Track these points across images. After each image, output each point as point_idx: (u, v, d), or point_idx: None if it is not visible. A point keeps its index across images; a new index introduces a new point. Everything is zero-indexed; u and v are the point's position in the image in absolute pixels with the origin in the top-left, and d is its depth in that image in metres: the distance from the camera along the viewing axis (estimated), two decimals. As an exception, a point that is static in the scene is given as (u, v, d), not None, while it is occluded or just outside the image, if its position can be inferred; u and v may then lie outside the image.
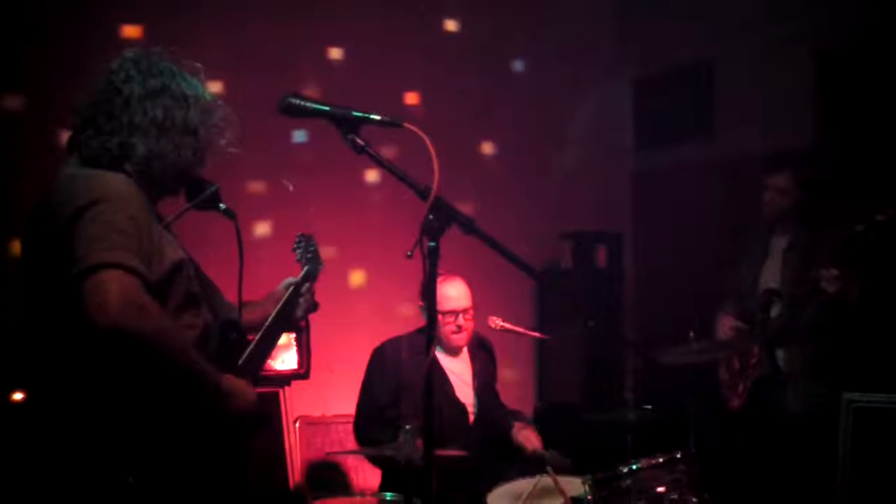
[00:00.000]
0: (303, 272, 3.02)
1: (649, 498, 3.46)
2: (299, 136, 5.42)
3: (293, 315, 2.95)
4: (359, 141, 2.23)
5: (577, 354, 5.87)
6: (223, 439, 2.41)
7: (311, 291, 3.01)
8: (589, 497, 3.48)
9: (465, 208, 2.25)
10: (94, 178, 2.30)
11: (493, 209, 5.36)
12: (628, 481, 3.47)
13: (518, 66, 6.30)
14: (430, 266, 2.18)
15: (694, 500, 3.47)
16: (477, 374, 4.37)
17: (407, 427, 3.63)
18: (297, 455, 5.00)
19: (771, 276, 4.54)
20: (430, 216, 2.16)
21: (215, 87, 4.62)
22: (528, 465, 4.07)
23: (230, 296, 2.64)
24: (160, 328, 2.20)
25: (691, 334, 4.16)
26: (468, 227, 2.23)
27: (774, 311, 4.45)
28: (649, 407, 4.09)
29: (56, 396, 2.28)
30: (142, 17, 4.89)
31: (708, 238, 5.62)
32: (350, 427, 4.34)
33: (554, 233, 6.19)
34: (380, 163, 2.24)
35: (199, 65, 2.57)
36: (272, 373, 4.92)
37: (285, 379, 5.01)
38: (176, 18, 4.87)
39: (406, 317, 5.09)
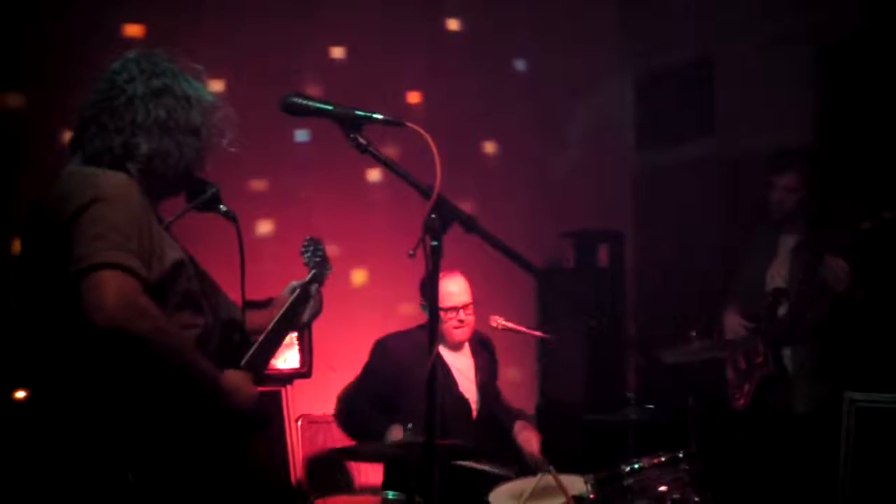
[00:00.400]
0: (309, 275, 3.02)
1: (651, 497, 3.46)
2: (301, 135, 5.43)
3: (298, 318, 2.95)
4: (361, 140, 2.24)
5: (578, 353, 5.87)
6: (223, 437, 2.42)
7: (318, 295, 3.01)
8: (591, 496, 3.48)
9: (467, 207, 2.26)
10: (95, 177, 2.31)
11: (494, 208, 5.36)
12: (630, 480, 3.47)
13: (520, 64, 6.30)
14: (432, 265, 2.17)
15: (696, 499, 3.47)
16: (479, 370, 4.38)
17: (409, 425, 3.64)
18: (298, 453, 5.01)
19: (778, 275, 4.53)
20: (433, 215, 2.16)
21: (217, 86, 4.63)
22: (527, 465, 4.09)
23: (233, 296, 2.65)
24: (157, 328, 2.20)
25: (693, 333, 4.16)
26: (470, 225, 2.23)
27: (781, 311, 4.45)
28: (651, 406, 4.09)
29: (55, 394, 2.28)
30: (143, 16, 4.90)
31: (709, 237, 5.62)
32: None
33: (555, 232, 6.19)
34: (382, 162, 2.24)
35: (200, 66, 2.58)
36: (274, 372, 4.93)
37: (287, 378, 5.02)
38: (177, 17, 4.88)
39: (408, 315, 5.09)
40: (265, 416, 2.59)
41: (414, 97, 5.83)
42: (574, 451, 4.79)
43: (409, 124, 2.20)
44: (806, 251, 4.41)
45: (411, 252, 2.18)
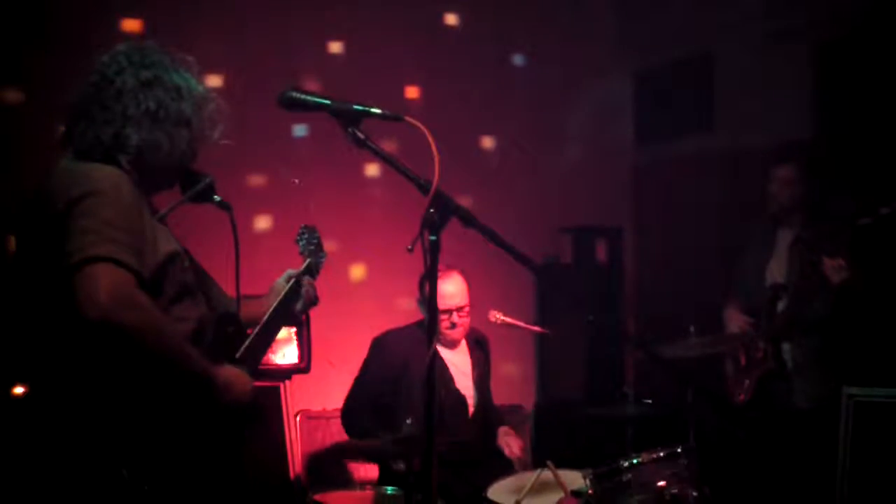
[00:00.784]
0: (304, 264, 3.02)
1: (650, 492, 3.46)
2: (300, 130, 5.42)
3: (293, 308, 2.94)
4: (360, 134, 2.23)
5: (577, 349, 5.87)
6: (219, 431, 2.41)
7: (311, 285, 3.00)
8: (589, 491, 3.48)
9: (465, 202, 2.26)
10: (86, 171, 2.30)
11: (493, 203, 5.35)
12: (629, 475, 3.47)
13: (518, 59, 6.29)
14: (430, 260, 2.17)
15: (694, 493, 3.47)
16: (476, 367, 4.38)
17: (408, 421, 3.64)
18: (297, 449, 5.01)
19: (777, 269, 4.53)
20: (431, 210, 2.16)
21: (215, 80, 4.64)
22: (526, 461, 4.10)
23: (229, 289, 2.64)
24: (150, 322, 2.20)
25: (691, 328, 4.16)
26: (468, 220, 2.23)
27: (780, 306, 4.45)
28: (649, 401, 4.10)
29: (49, 388, 2.28)
30: (142, 11, 4.89)
31: (708, 232, 5.62)
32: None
33: (554, 227, 6.19)
34: (381, 156, 2.24)
35: (191, 58, 2.57)
36: (273, 367, 4.92)
37: (286, 373, 5.01)
38: (176, 12, 4.87)
39: (406, 311, 5.08)
40: (261, 410, 2.58)
41: (412, 92, 5.82)
42: (572, 446, 4.80)
43: (408, 119, 2.19)
44: (804, 246, 4.42)
45: (410, 247, 2.17)
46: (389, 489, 3.76)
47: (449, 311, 4.19)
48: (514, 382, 5.84)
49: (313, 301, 3.02)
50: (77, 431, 2.23)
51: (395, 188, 4.95)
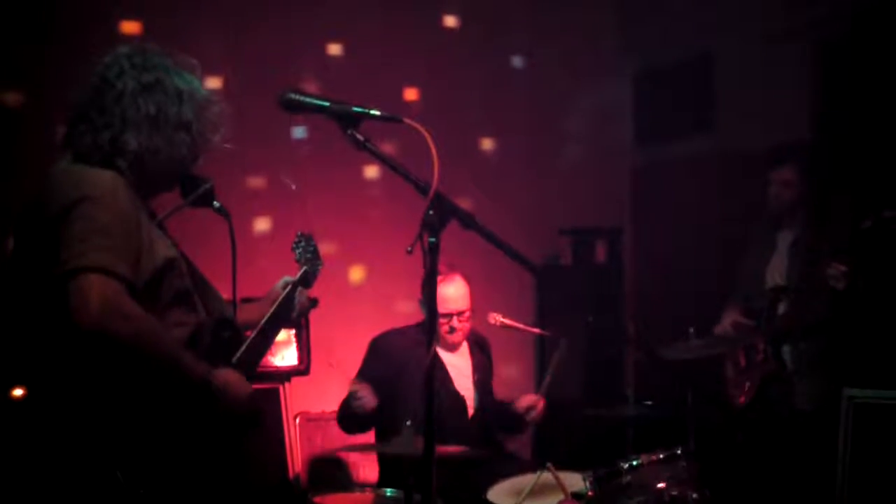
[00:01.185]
0: (301, 272, 3.01)
1: (649, 494, 3.46)
2: (299, 132, 5.42)
3: (289, 315, 2.94)
4: (359, 136, 2.23)
5: (577, 350, 5.86)
6: (216, 435, 2.40)
7: (304, 294, 2.99)
8: (589, 493, 3.47)
9: (464, 204, 2.26)
10: (82, 175, 2.29)
11: (492, 205, 5.35)
12: (628, 477, 3.47)
13: (518, 61, 6.29)
14: (430, 262, 2.17)
15: (694, 496, 3.46)
16: (476, 369, 4.37)
17: (408, 422, 3.63)
18: (297, 451, 5.00)
19: (777, 271, 4.53)
20: (430, 211, 2.16)
21: (215, 82, 4.63)
22: (526, 462, 4.09)
23: (226, 292, 2.64)
24: (141, 331, 2.19)
25: (691, 330, 4.16)
26: (468, 222, 2.23)
27: (781, 308, 4.44)
28: (649, 403, 4.09)
29: (45, 392, 2.28)
30: (141, 13, 4.89)
31: (708, 233, 5.61)
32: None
33: (554, 228, 6.19)
34: (380, 158, 2.24)
35: (194, 61, 2.56)
36: (272, 369, 4.92)
37: (285, 375, 5.01)
38: (175, 14, 4.87)
39: (406, 313, 5.08)
40: (259, 414, 2.57)
41: (411, 94, 5.82)
42: (572, 448, 4.79)
43: (407, 120, 2.19)
44: (804, 248, 4.41)
45: (409, 248, 2.17)
46: (389, 491, 3.75)
47: (449, 315, 4.18)
48: (514, 384, 5.82)
49: (310, 305, 3.02)
50: (73, 434, 2.22)
51: (394, 190, 4.94)
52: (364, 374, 4.24)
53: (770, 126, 5.33)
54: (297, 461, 4.97)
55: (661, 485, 3.47)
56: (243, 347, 2.60)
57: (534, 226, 5.85)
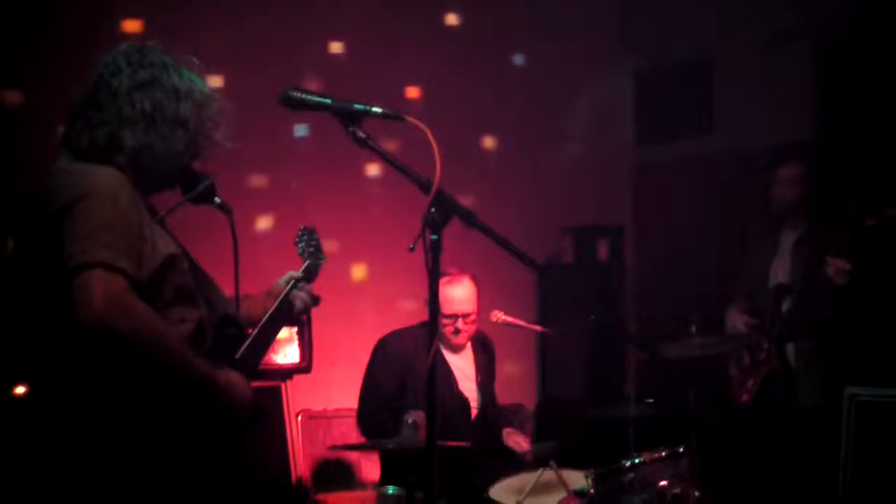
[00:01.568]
0: (304, 266, 3.01)
1: (651, 492, 3.47)
2: (300, 130, 5.42)
3: (292, 310, 2.94)
4: (361, 134, 2.22)
5: (578, 348, 5.86)
6: (219, 433, 2.40)
7: (308, 288, 2.99)
8: (591, 491, 3.47)
9: (466, 202, 2.25)
10: (82, 173, 2.28)
11: (494, 203, 5.35)
12: (630, 475, 3.48)
13: (519, 59, 6.29)
14: (432, 260, 2.17)
15: (696, 493, 3.47)
16: (480, 370, 4.37)
17: (410, 420, 3.63)
18: (299, 449, 5.00)
19: (780, 270, 4.52)
20: (432, 209, 2.15)
21: (216, 80, 4.63)
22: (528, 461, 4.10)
23: (228, 290, 2.64)
24: (146, 328, 2.18)
25: (693, 328, 4.16)
26: (470, 220, 2.22)
27: (785, 306, 4.44)
28: (651, 401, 4.09)
29: (47, 392, 2.27)
30: (142, 11, 4.89)
31: (709, 233, 5.61)
32: (352, 421, 4.34)
33: (555, 227, 6.19)
34: (382, 156, 2.23)
35: (195, 59, 2.55)
36: (274, 366, 4.92)
37: (287, 373, 5.01)
38: (176, 12, 4.87)
39: (408, 311, 5.08)
40: (261, 413, 2.57)
41: (413, 92, 5.82)
42: (574, 446, 4.79)
43: (409, 118, 2.18)
44: (807, 246, 4.41)
45: (411, 246, 2.17)
46: (391, 489, 3.76)
47: (455, 317, 4.18)
48: (516, 382, 5.83)
49: (312, 302, 3.02)
50: (77, 434, 2.22)
51: (396, 187, 4.93)
52: (372, 376, 4.24)
53: (771, 126, 5.33)
54: (299, 459, 4.97)
55: (663, 483, 3.48)
56: (246, 344, 2.60)
57: (535, 224, 5.85)
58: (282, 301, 2.85)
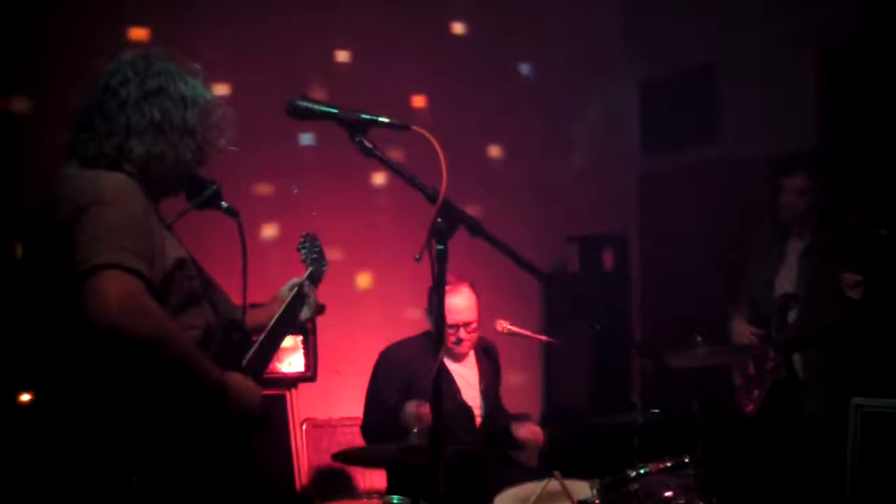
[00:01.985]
0: (307, 273, 3.02)
1: (657, 502, 3.45)
2: (306, 138, 5.43)
3: (297, 317, 2.94)
4: (367, 143, 2.23)
5: (584, 358, 5.85)
6: (227, 438, 2.41)
7: (313, 293, 3.00)
8: (596, 501, 3.46)
9: (472, 211, 2.25)
10: (93, 179, 2.29)
11: (499, 212, 5.35)
12: (636, 485, 3.46)
13: (524, 68, 6.30)
14: (438, 269, 2.16)
15: (701, 504, 3.46)
16: (483, 378, 4.36)
17: (415, 430, 3.63)
18: (303, 457, 5.00)
19: (787, 279, 4.51)
20: (439, 219, 2.15)
21: (222, 88, 4.63)
22: (533, 470, 4.09)
23: (235, 296, 2.64)
24: (159, 329, 2.18)
25: (698, 338, 4.14)
26: (476, 229, 2.22)
27: (791, 316, 4.43)
28: (656, 410, 4.08)
29: (58, 397, 2.27)
30: (147, 19, 4.90)
31: (714, 240, 5.60)
32: (357, 430, 4.34)
33: (560, 235, 6.18)
34: (388, 165, 2.23)
35: (198, 66, 2.56)
36: (279, 375, 4.92)
37: (292, 381, 5.02)
38: (181, 21, 4.88)
39: (413, 320, 5.08)
40: (269, 418, 2.58)
41: (419, 101, 5.83)
42: (579, 456, 4.77)
43: (415, 127, 2.19)
44: (815, 255, 4.39)
45: (417, 256, 2.16)
46: (396, 499, 3.75)
47: (456, 327, 4.17)
48: (521, 391, 5.82)
49: (318, 309, 3.02)
50: (87, 438, 2.22)
51: (401, 197, 4.95)
52: (375, 387, 4.24)
53: (775, 133, 5.32)
54: (303, 467, 4.97)
55: (668, 493, 3.47)
56: (252, 350, 2.60)
57: (540, 232, 5.85)
58: (287, 307, 2.86)
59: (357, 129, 2.23)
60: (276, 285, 2.99)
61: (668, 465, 3.51)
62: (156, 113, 2.38)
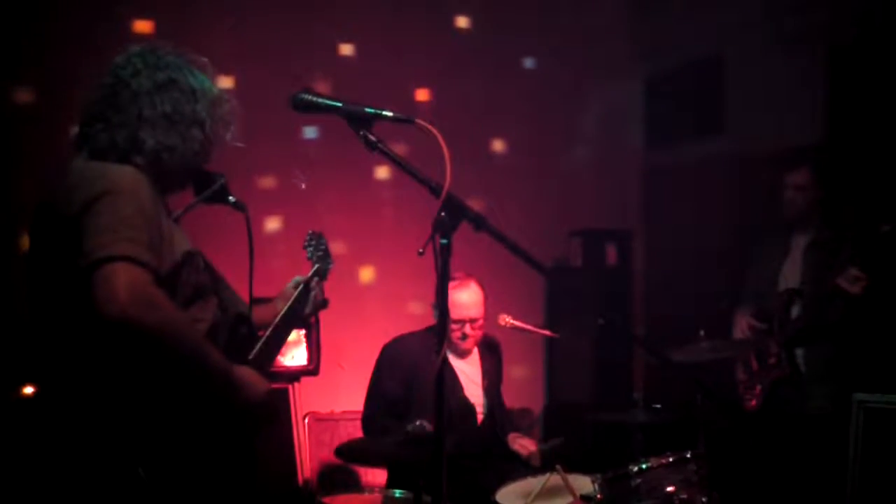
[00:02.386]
0: (312, 270, 3.03)
1: (659, 497, 3.45)
2: (310, 132, 5.43)
3: (302, 313, 2.95)
4: (371, 137, 2.23)
5: (586, 353, 5.86)
6: (234, 431, 2.41)
7: (319, 289, 3.01)
8: (598, 496, 3.47)
9: (475, 205, 2.25)
10: (103, 171, 2.30)
11: (503, 207, 5.34)
12: (638, 480, 3.47)
13: (529, 63, 6.29)
14: (442, 263, 2.16)
15: (703, 499, 3.46)
16: (486, 374, 4.36)
17: (417, 422, 3.62)
18: (306, 451, 5.01)
19: (791, 274, 4.51)
20: (442, 213, 2.15)
21: (227, 82, 4.64)
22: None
23: (242, 290, 2.64)
24: (169, 320, 2.19)
25: (701, 333, 4.15)
26: (479, 224, 2.22)
27: (795, 311, 4.42)
28: (659, 406, 4.08)
29: (66, 389, 2.28)
30: (152, 12, 4.90)
31: (718, 236, 5.60)
32: (359, 423, 4.34)
33: (564, 230, 6.18)
34: (392, 159, 2.23)
35: (205, 59, 2.57)
36: (282, 369, 4.92)
37: (295, 375, 5.02)
38: (187, 13, 4.88)
39: (416, 314, 5.09)
40: (276, 411, 2.59)
41: (422, 95, 5.82)
42: (582, 451, 4.78)
43: (419, 121, 2.19)
44: (818, 251, 4.39)
45: (421, 250, 2.16)
46: (398, 492, 3.75)
47: (462, 322, 4.16)
48: (524, 386, 5.83)
49: (322, 304, 3.03)
50: (93, 431, 2.22)
51: (405, 191, 4.94)
52: (377, 381, 4.24)
53: (781, 128, 5.32)
54: (305, 461, 4.98)
55: (670, 488, 3.47)
56: (259, 344, 2.61)
57: (544, 227, 5.84)
58: (293, 302, 2.87)
59: (361, 122, 2.23)
60: (280, 277, 3.00)
61: (671, 460, 3.51)
62: (167, 105, 2.39)
